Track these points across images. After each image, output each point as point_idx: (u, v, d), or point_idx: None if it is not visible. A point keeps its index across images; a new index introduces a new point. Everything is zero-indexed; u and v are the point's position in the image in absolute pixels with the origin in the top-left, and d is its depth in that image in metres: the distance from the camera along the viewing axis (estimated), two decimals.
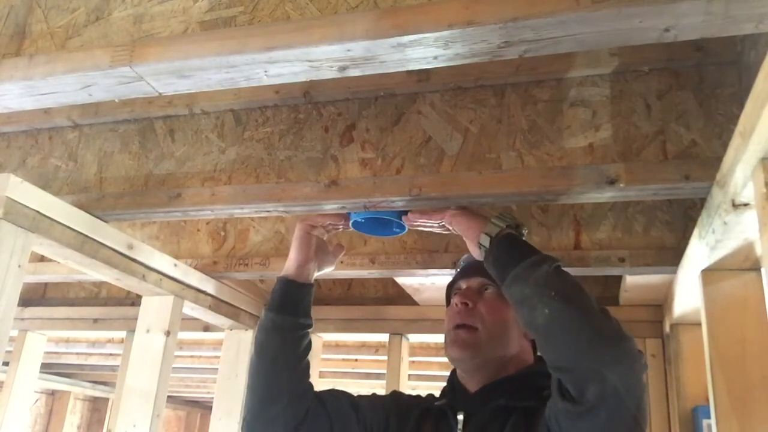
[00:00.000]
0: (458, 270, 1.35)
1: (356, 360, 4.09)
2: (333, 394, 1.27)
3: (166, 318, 2.17)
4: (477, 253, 1.25)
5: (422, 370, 4.14)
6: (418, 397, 1.32)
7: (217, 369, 2.92)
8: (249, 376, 1.28)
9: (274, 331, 1.27)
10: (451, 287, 1.33)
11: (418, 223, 1.53)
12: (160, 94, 1.27)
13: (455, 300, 1.21)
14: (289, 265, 1.39)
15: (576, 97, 1.54)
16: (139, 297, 2.24)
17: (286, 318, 1.28)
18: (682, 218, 1.85)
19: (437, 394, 1.30)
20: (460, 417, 1.13)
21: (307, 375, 1.27)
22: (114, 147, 1.95)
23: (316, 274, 1.43)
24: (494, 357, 1.16)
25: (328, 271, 1.54)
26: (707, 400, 1.54)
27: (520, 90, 1.59)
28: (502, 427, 1.07)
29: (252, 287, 2.81)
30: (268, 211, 1.75)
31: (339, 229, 1.61)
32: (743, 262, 1.47)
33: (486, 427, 1.10)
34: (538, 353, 1.21)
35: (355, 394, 1.29)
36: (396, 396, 1.34)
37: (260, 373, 1.25)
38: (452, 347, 1.18)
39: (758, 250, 1.38)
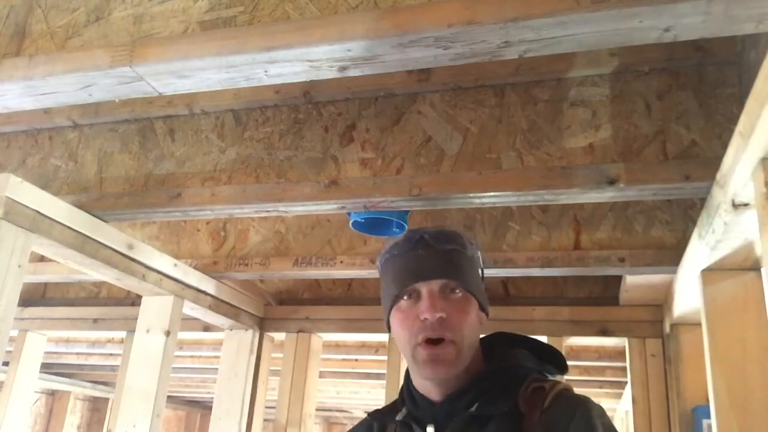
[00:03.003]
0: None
1: (356, 360, 4.09)
2: None
3: (166, 318, 2.17)
4: None
5: None
6: (364, 421, 1.19)
7: (217, 369, 2.92)
8: None
9: None
10: (394, 281, 1.10)
11: None
12: (160, 94, 1.27)
13: (424, 314, 1.03)
14: None
15: (576, 97, 1.54)
16: (139, 297, 2.24)
17: None
18: (682, 218, 1.85)
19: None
20: (431, 430, 1.03)
21: None
22: (114, 147, 1.95)
23: None
24: (467, 364, 1.05)
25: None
26: (707, 400, 1.54)
27: (520, 90, 1.59)
28: None
29: (252, 287, 2.81)
30: (268, 211, 1.75)
31: None
32: (743, 262, 1.47)
33: None
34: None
35: None
36: None
37: None
38: (431, 367, 1.02)
39: (758, 250, 1.38)
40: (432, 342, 1.02)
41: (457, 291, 1.06)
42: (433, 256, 1.08)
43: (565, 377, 1.12)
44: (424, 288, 1.06)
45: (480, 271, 1.15)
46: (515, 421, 0.98)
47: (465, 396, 1.04)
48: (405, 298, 1.08)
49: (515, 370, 1.07)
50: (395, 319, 1.10)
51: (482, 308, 1.11)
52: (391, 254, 1.13)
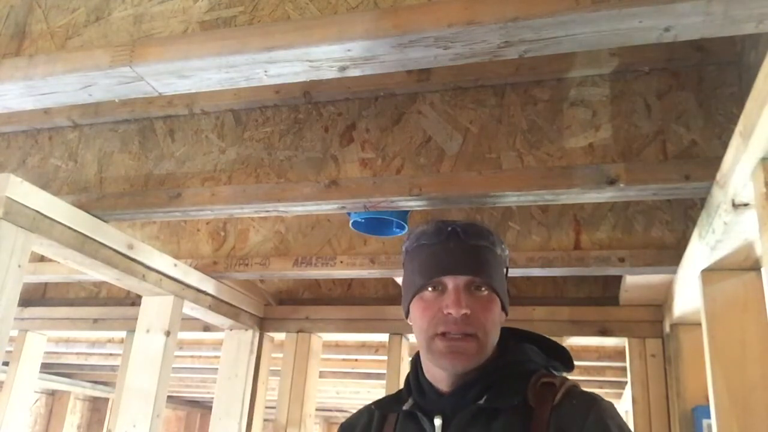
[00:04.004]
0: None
1: (356, 360, 4.09)
2: None
3: (166, 318, 2.17)
4: None
5: None
6: (365, 408, 1.18)
7: (217, 369, 2.92)
8: None
9: None
10: (420, 271, 1.08)
11: None
12: (160, 94, 1.27)
13: (449, 308, 1.02)
14: None
15: (576, 97, 1.54)
16: (139, 297, 2.24)
17: None
18: (682, 218, 1.85)
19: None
20: (438, 422, 1.01)
21: None
22: (114, 147, 1.95)
23: None
24: (485, 360, 1.05)
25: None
26: (707, 400, 1.54)
27: (520, 90, 1.59)
28: (487, 429, 0.99)
29: (252, 287, 2.81)
30: (268, 211, 1.75)
31: None
32: (743, 262, 1.47)
33: (468, 430, 1.00)
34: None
35: None
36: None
37: None
38: (450, 359, 1.02)
39: (758, 250, 1.38)
40: (452, 335, 1.02)
41: (483, 289, 1.05)
42: (462, 250, 1.07)
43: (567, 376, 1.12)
44: (450, 282, 1.04)
45: (505, 270, 1.14)
46: (524, 415, 0.98)
47: (473, 388, 1.03)
48: (429, 289, 1.06)
49: (524, 364, 1.07)
50: (416, 307, 1.08)
51: (503, 308, 1.10)
52: (419, 243, 1.11)
